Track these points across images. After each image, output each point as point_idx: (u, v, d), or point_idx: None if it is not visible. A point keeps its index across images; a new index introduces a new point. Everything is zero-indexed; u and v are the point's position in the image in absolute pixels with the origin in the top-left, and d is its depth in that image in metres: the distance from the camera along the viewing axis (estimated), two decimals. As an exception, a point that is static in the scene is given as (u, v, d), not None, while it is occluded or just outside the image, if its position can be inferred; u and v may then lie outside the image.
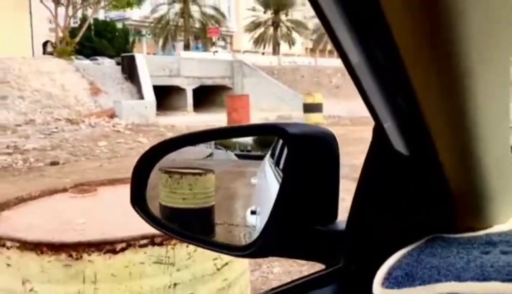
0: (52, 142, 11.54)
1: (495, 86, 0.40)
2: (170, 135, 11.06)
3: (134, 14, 41.59)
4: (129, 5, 27.03)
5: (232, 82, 24.91)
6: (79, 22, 32.06)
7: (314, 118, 17.39)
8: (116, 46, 36.09)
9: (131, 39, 41.83)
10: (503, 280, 0.40)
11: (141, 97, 18.86)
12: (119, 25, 40.40)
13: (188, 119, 18.36)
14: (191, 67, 23.12)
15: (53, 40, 31.19)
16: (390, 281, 0.46)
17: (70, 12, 26.00)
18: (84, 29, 25.71)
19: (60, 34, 24.46)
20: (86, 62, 24.14)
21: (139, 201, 0.78)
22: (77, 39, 24.70)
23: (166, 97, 20.51)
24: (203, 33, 43.88)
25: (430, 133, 0.42)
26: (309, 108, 17.94)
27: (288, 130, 0.63)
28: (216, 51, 37.90)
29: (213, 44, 42.26)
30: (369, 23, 0.34)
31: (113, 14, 39.13)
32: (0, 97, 15.35)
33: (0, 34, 19.13)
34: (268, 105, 21.18)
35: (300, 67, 33.63)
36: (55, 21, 25.06)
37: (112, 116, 16.04)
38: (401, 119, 0.45)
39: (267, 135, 0.76)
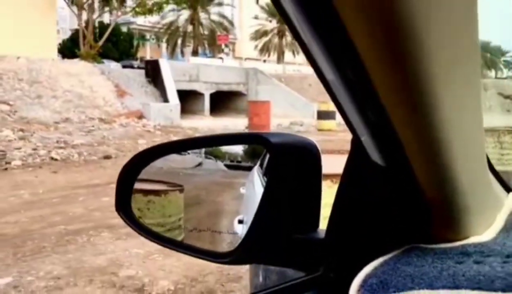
0: (94, 139, 12.48)
1: (465, 95, 0.40)
2: (196, 136, 12.03)
3: (140, 19, 42.37)
4: (151, 11, 28.13)
5: (246, 89, 25.93)
6: (84, 25, 33.08)
7: (327, 125, 18.37)
8: (121, 49, 36.79)
9: (135, 43, 42.53)
10: (473, 288, 0.42)
11: (165, 100, 19.83)
12: (124, 29, 41.07)
13: (208, 123, 19.33)
14: (209, 73, 24.16)
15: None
16: (366, 288, 0.46)
17: (82, 16, 26.93)
18: (107, 33, 26.72)
19: (64, 37, 25.26)
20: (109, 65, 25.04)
21: (123, 207, 0.77)
22: (101, 43, 25.74)
23: (184, 101, 21.40)
24: (211, 40, 44.95)
25: (402, 146, 0.43)
26: (323, 115, 18.93)
27: (270, 140, 0.64)
28: (221, 58, 38.92)
29: (222, 51, 43.27)
30: (339, 46, 0.36)
31: (118, 18, 40.05)
32: (36, 96, 16.24)
33: (29, 35, 19.95)
34: (280, 112, 22.10)
35: (307, 75, 34.62)
36: (80, 24, 26.08)
37: (140, 117, 16.99)
38: (375, 132, 0.47)
39: (251, 144, 0.77)
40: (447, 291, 0.43)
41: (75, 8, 26.37)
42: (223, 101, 24.85)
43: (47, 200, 6.74)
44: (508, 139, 6.05)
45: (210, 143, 0.81)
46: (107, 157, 10.33)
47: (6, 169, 8.91)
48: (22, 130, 12.49)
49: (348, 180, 0.60)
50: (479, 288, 0.41)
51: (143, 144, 12.24)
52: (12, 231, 5.34)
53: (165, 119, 17.40)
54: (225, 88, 24.99)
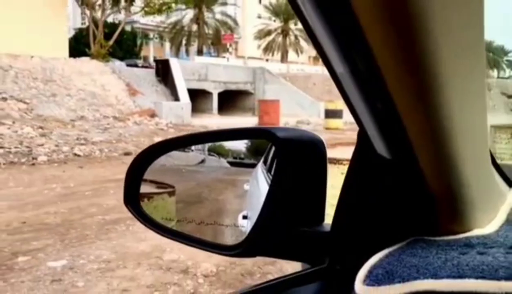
0: (112, 136, 12.86)
1: (470, 92, 0.41)
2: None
3: (143, 18, 42.39)
4: (160, 11, 28.47)
5: (253, 88, 26.32)
6: (87, 24, 33.52)
7: (334, 124, 18.72)
8: (124, 48, 36.98)
9: (138, 42, 42.66)
10: (477, 277, 0.42)
11: (175, 99, 20.25)
12: (127, 28, 41.14)
13: (217, 121, 19.70)
14: (217, 72, 24.63)
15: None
16: (371, 278, 0.47)
17: (91, 16, 27.30)
18: (117, 32, 27.07)
19: (69, 35, 25.45)
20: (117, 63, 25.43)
21: (131, 201, 0.80)
22: (111, 42, 26.09)
23: (193, 99, 21.80)
24: (216, 39, 45.35)
25: (409, 139, 0.44)
26: (330, 114, 19.29)
27: (277, 134, 0.66)
28: (224, 57, 39.31)
29: (227, 50, 43.62)
30: (351, 38, 0.37)
31: (122, 17, 40.31)
32: (51, 95, 16.62)
33: (41, 34, 20.27)
34: (287, 111, 22.41)
35: (311, 75, 34.96)
36: (90, 23, 26.44)
37: (152, 115, 17.38)
38: (382, 125, 0.48)
39: (257, 138, 0.78)
40: (452, 281, 0.43)
41: (79, 8, 26.71)
42: (230, 100, 25.25)
43: (80, 193, 7.10)
44: (521, 135, 6.44)
45: (216, 138, 0.81)
46: (127, 153, 10.69)
47: (33, 164, 9.29)
48: (41, 127, 12.87)
49: (354, 173, 0.62)
50: (483, 277, 0.42)
51: (159, 141, 12.60)
52: (54, 221, 5.70)
53: (176, 117, 17.81)
54: (233, 87, 25.39)
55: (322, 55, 0.44)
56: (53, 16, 21.39)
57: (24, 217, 5.77)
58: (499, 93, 32.71)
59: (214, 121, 19.71)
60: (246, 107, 25.51)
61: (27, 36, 19.26)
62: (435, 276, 0.44)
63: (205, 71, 24.04)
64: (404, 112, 0.42)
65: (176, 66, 21.42)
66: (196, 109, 21.98)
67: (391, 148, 0.51)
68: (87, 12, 28.00)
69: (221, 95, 24.77)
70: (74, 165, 9.34)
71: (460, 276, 0.43)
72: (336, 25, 0.38)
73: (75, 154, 10.32)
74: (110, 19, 38.90)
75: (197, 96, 23.01)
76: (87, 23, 33.71)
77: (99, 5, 27.24)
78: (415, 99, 0.39)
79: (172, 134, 14.56)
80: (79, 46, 28.60)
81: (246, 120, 19.73)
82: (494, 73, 61.54)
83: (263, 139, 0.73)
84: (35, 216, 5.85)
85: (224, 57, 39.83)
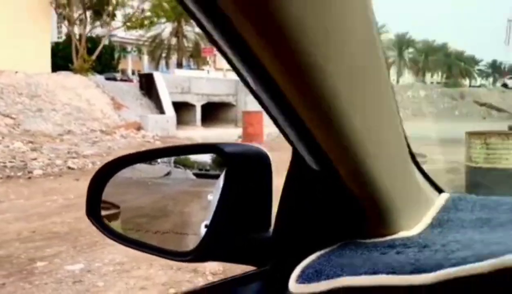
0: (102, 150, 13.11)
1: (374, 101, 0.43)
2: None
3: (121, 32, 42.48)
4: (142, 26, 28.74)
5: (235, 100, 26.77)
6: (64, 38, 33.57)
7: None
8: (103, 62, 36.86)
9: (116, 56, 42.53)
10: (388, 273, 0.47)
11: (160, 112, 20.58)
12: (105, 42, 40.90)
13: (201, 133, 20.06)
14: (200, 85, 25.07)
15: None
16: (303, 277, 0.53)
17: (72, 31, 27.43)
18: (100, 47, 27.25)
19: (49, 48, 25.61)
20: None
21: (93, 213, 0.84)
22: (94, 57, 26.24)
23: (177, 112, 22.10)
24: (196, 52, 45.67)
25: (326, 152, 0.47)
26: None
27: (224, 149, 0.70)
28: (203, 69, 39.64)
29: (207, 63, 43.95)
30: (248, 59, 0.38)
31: (99, 31, 40.29)
32: (37, 110, 16.76)
33: (24, 50, 20.36)
34: (270, 121, 22.85)
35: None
36: (73, 38, 26.53)
37: (139, 128, 17.65)
38: (302, 139, 0.51)
39: (207, 153, 0.82)
40: (367, 276, 0.48)
41: (57, 21, 26.69)
42: (213, 112, 25.63)
43: (81, 204, 6.99)
44: (493, 140, 7.00)
45: (170, 153, 0.86)
46: (120, 165, 10.99)
47: (29, 177, 9.52)
48: (31, 142, 13.04)
49: (290, 183, 0.66)
50: (393, 273, 0.47)
51: (149, 154, 12.90)
52: (62, 230, 6.00)
53: (162, 130, 18.13)
54: (215, 99, 25.82)
55: (239, 74, 0.46)
56: (36, 30, 21.47)
57: (32, 227, 6.06)
58: (472, 101, 33.98)
59: (198, 133, 20.07)
60: (229, 118, 25.92)
61: (11, 51, 19.34)
62: (354, 273, 0.49)
63: (188, 84, 24.45)
64: (312, 127, 0.44)
65: (160, 79, 21.78)
66: (180, 121, 22.26)
67: (316, 159, 0.54)
68: (68, 26, 28.05)
69: (204, 107, 25.16)
70: (69, 178, 9.58)
71: (375, 272, 0.48)
72: (236, 48, 0.39)
73: (69, 167, 10.56)
74: (88, 33, 38.74)
75: (181, 109, 23.32)
76: (63, 37, 33.73)
77: (81, 20, 27.38)
78: (318, 114, 0.42)
79: (158, 146, 14.86)
80: (56, 59, 28.46)
81: (229, 131, 20.05)
82: (466, 82, 63.50)
83: (212, 154, 0.79)
84: (42, 225, 6.14)
85: (203, 69, 40.16)
